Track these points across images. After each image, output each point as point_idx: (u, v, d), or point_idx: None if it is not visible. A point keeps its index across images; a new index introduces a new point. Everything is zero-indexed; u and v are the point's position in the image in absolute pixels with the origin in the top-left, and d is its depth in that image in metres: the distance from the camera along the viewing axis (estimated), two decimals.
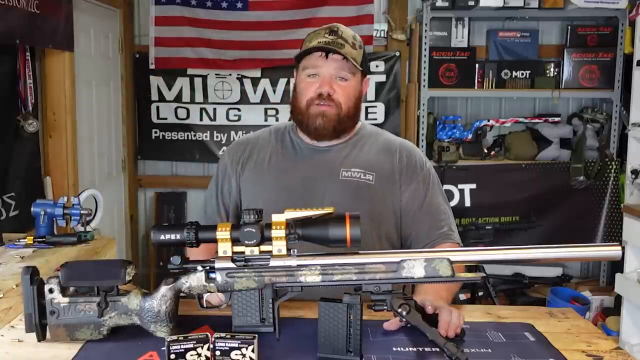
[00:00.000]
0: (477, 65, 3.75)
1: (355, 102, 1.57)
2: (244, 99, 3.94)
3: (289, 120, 1.68)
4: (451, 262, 1.11)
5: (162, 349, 1.08)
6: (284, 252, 1.13)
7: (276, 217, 1.12)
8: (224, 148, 1.40)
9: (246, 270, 1.15)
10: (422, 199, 1.59)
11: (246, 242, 1.12)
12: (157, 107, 3.96)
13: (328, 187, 1.54)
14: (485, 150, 3.82)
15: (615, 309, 3.48)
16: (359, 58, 1.54)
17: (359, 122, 1.66)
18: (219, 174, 1.68)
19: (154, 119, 3.98)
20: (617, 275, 3.12)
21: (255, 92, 3.93)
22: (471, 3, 3.50)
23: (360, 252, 1.15)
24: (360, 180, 1.55)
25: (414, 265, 1.11)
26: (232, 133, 3.95)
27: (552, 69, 3.80)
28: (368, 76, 1.64)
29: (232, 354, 1.06)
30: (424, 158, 1.67)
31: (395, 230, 1.59)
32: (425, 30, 3.61)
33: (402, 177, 1.59)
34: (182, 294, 1.19)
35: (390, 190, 1.58)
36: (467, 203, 3.70)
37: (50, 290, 1.18)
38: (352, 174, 1.56)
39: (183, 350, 1.06)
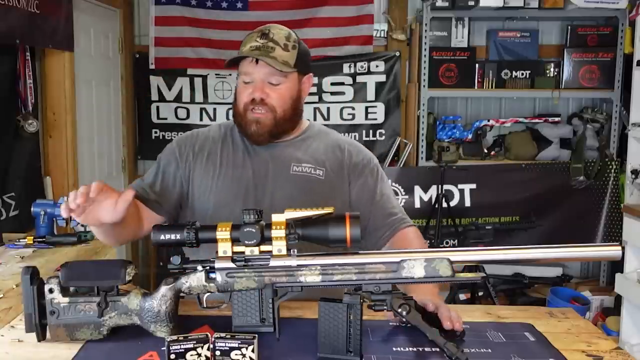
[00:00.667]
0: (477, 65, 3.76)
1: (292, 104, 1.56)
2: None
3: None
4: (451, 262, 1.11)
5: (162, 349, 1.08)
6: (284, 252, 1.13)
7: (276, 217, 1.12)
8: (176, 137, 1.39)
9: (246, 270, 1.15)
10: (372, 191, 1.62)
11: (246, 242, 1.13)
12: (157, 107, 3.96)
13: (280, 182, 1.55)
14: (485, 150, 3.82)
15: (615, 309, 3.48)
16: (292, 59, 1.52)
17: (306, 121, 1.67)
18: (162, 158, 1.62)
19: (154, 119, 3.98)
20: (617, 275, 3.12)
21: None
22: (471, 3, 3.50)
23: (360, 252, 1.16)
24: (311, 175, 1.57)
25: (414, 265, 1.11)
26: None
27: (552, 69, 3.81)
28: (310, 74, 1.61)
29: (232, 354, 1.06)
30: (370, 155, 1.69)
31: None
32: (425, 30, 3.61)
33: (350, 173, 1.62)
34: (182, 294, 1.19)
35: (340, 185, 1.60)
36: (467, 203, 3.70)
37: (50, 290, 1.18)
38: (302, 168, 1.57)
39: (183, 350, 1.06)
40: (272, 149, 1.59)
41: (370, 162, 1.66)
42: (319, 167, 1.58)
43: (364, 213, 1.59)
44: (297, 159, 1.58)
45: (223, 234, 1.13)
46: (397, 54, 3.86)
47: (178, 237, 1.15)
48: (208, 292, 1.18)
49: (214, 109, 3.95)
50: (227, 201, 1.52)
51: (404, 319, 1.13)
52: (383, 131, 3.94)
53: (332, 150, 1.63)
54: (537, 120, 3.87)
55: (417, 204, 3.64)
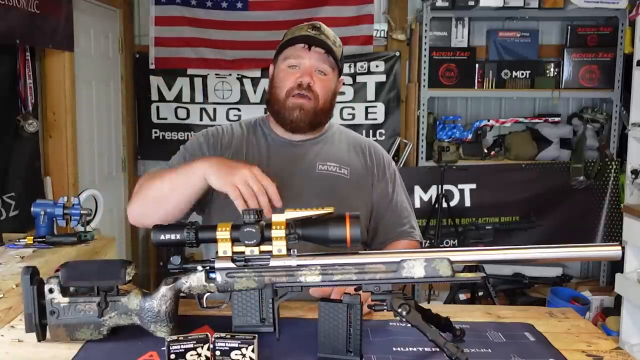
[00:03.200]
0: (477, 65, 3.76)
1: (331, 98, 1.59)
2: (244, 99, 3.94)
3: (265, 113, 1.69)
4: (451, 262, 1.11)
5: (162, 349, 1.08)
6: (284, 252, 1.13)
7: (276, 217, 1.12)
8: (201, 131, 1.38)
9: (246, 270, 1.14)
10: (389, 197, 1.64)
11: (246, 242, 1.12)
12: (157, 107, 3.97)
13: (305, 180, 1.55)
14: (485, 150, 3.82)
15: (615, 309, 3.48)
16: (338, 56, 1.57)
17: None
18: (187, 150, 1.61)
19: (154, 119, 3.98)
20: (617, 275, 3.12)
21: (255, 92, 3.93)
22: (471, 3, 3.51)
23: (360, 252, 1.16)
24: (336, 174, 1.58)
25: (414, 265, 1.11)
26: None
27: (552, 69, 3.81)
28: (342, 77, 1.66)
29: (232, 354, 1.06)
30: (389, 157, 1.72)
31: (364, 224, 1.62)
32: (425, 30, 3.62)
33: (372, 175, 1.63)
34: (182, 294, 1.19)
35: (363, 185, 1.61)
36: (467, 203, 3.70)
37: (50, 290, 1.18)
38: (328, 167, 1.58)
39: (183, 350, 1.06)
40: (296, 147, 1.60)
41: (390, 165, 1.68)
42: (343, 167, 1.59)
43: (378, 216, 1.63)
44: (321, 158, 1.59)
45: (223, 233, 1.13)
46: (397, 54, 3.86)
47: (178, 237, 1.15)
48: (208, 292, 1.18)
49: (214, 109, 3.95)
50: None
51: (403, 319, 1.13)
52: (383, 131, 3.94)
53: (354, 150, 1.65)
54: (537, 120, 3.87)
55: (417, 204, 3.64)
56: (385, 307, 1.12)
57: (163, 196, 1.38)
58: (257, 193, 1.23)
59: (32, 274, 1.18)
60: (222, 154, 1.58)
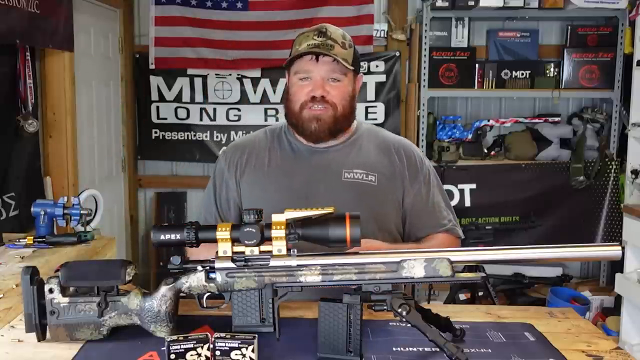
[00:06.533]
0: (477, 65, 3.76)
1: (349, 102, 1.56)
2: (244, 99, 3.94)
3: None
4: (451, 262, 1.11)
5: (162, 349, 1.08)
6: (284, 252, 1.13)
7: (276, 217, 1.12)
8: (224, 148, 1.39)
9: (246, 270, 1.15)
10: (425, 200, 1.61)
11: (246, 242, 1.12)
12: (157, 107, 3.96)
13: (331, 189, 1.53)
14: (485, 150, 3.82)
15: (615, 309, 3.48)
16: (350, 57, 1.53)
17: (354, 121, 1.65)
18: (215, 180, 1.65)
19: (154, 119, 3.98)
20: (617, 275, 3.12)
21: (255, 92, 3.93)
22: (471, 3, 3.50)
23: (360, 252, 1.16)
24: (363, 181, 1.55)
25: (414, 265, 1.11)
26: (232, 133, 3.95)
27: (552, 69, 3.80)
28: (361, 73, 1.63)
29: (232, 354, 1.06)
30: (421, 155, 1.68)
31: (395, 227, 1.60)
32: (425, 30, 3.61)
33: (404, 178, 1.60)
34: (182, 294, 1.19)
35: (392, 190, 1.59)
36: (467, 203, 3.70)
37: (50, 290, 1.18)
38: (354, 175, 1.55)
39: (183, 350, 1.06)
40: (322, 154, 1.58)
41: (423, 166, 1.65)
42: (370, 173, 1.56)
43: (413, 220, 1.60)
44: (347, 165, 1.56)
45: (223, 233, 1.13)
46: (397, 54, 3.86)
47: (178, 237, 1.15)
48: (208, 292, 1.18)
49: (214, 109, 3.95)
50: (279, 211, 1.48)
51: (403, 319, 1.13)
52: None
53: (383, 153, 1.61)
54: (537, 120, 3.86)
55: None
56: (385, 307, 1.12)
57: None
58: None
59: (32, 274, 1.18)
60: (245, 169, 1.59)
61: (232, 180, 1.61)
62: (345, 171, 1.56)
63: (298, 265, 1.13)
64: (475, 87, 3.76)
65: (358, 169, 1.56)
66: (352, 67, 1.53)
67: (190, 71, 3.90)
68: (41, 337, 1.19)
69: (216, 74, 3.91)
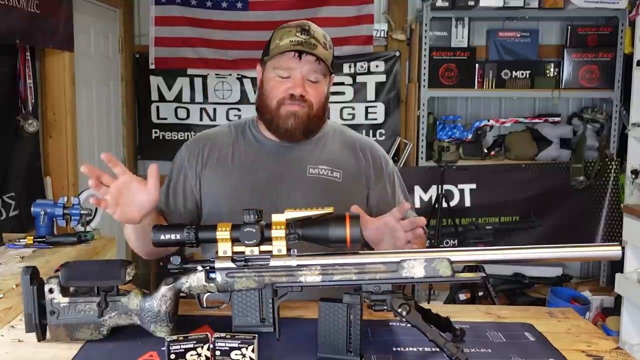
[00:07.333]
0: (477, 65, 3.76)
1: (324, 103, 1.55)
2: (244, 99, 3.94)
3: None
4: (451, 262, 1.11)
5: (162, 349, 1.08)
6: (284, 252, 1.13)
7: (276, 217, 1.12)
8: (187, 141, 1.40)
9: (246, 270, 1.14)
10: (390, 200, 1.61)
11: (246, 242, 1.12)
12: (157, 107, 3.97)
13: (295, 185, 1.52)
14: (485, 150, 3.82)
15: (615, 309, 3.48)
16: (330, 59, 1.52)
17: None
18: (173, 169, 1.62)
19: (154, 119, 3.98)
20: (617, 275, 3.12)
21: (255, 92, 3.93)
22: (471, 3, 3.51)
23: (360, 252, 1.16)
24: (328, 177, 1.55)
25: (414, 265, 1.11)
26: None
27: (552, 69, 3.81)
28: (333, 74, 1.60)
29: (232, 354, 1.06)
30: (386, 156, 1.68)
31: None
32: (425, 30, 3.61)
33: (369, 177, 1.60)
34: (182, 294, 1.19)
35: (357, 188, 1.58)
36: (467, 203, 3.70)
37: (50, 290, 1.18)
38: (319, 170, 1.55)
39: (183, 350, 1.06)
40: (287, 150, 1.56)
41: (387, 165, 1.64)
42: (335, 170, 1.55)
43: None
44: (312, 161, 1.55)
45: (223, 233, 1.13)
46: (397, 54, 3.87)
47: (178, 237, 1.14)
48: (208, 292, 1.18)
49: (214, 109, 3.95)
50: (241, 206, 1.49)
51: (403, 319, 1.13)
52: (383, 131, 3.94)
53: (348, 151, 1.61)
54: (537, 120, 3.87)
55: (417, 204, 3.64)
56: (385, 307, 1.12)
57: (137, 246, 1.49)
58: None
59: (32, 274, 1.18)
60: (207, 163, 1.56)
61: (191, 172, 1.57)
62: (310, 167, 1.54)
63: (298, 265, 1.13)
64: (475, 87, 3.77)
65: (323, 165, 1.55)
66: (331, 70, 1.53)
67: (190, 71, 3.90)
68: (41, 337, 1.19)
69: (216, 74, 3.91)
